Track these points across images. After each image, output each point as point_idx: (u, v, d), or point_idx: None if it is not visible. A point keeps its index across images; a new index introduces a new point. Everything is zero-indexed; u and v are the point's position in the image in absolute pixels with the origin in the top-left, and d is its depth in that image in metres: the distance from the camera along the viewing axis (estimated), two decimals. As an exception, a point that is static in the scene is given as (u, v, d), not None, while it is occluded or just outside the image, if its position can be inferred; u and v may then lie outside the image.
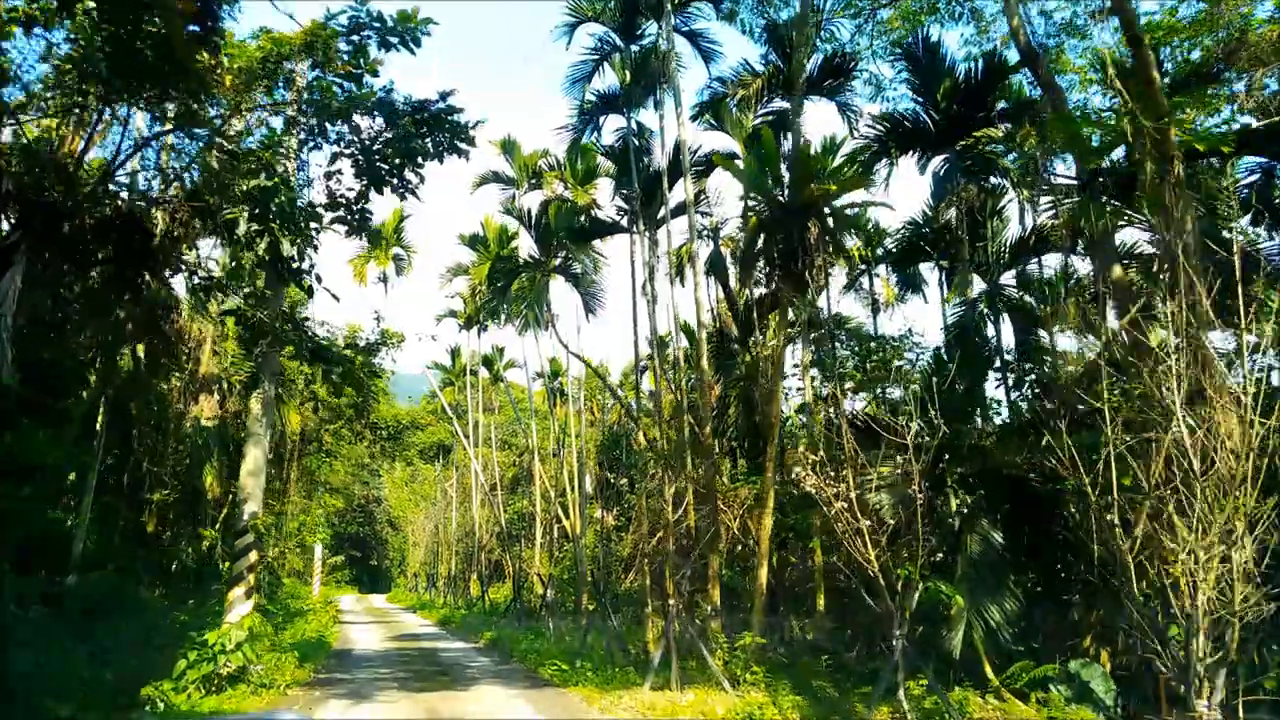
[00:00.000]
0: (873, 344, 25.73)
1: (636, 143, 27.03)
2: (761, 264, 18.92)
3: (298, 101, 16.40)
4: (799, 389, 30.72)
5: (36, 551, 16.29)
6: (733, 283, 30.08)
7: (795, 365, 32.32)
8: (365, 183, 17.27)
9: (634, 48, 27.07)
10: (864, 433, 15.15)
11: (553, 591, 32.08)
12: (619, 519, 36.34)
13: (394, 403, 49.33)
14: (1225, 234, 14.37)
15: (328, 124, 16.82)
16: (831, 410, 20.22)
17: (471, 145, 16.93)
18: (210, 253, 20.95)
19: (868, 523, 13.68)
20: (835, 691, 15.43)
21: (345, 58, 16.13)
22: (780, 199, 18.11)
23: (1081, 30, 22.27)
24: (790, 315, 28.86)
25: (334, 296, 17.77)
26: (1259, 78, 17.93)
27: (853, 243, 27.78)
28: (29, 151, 14.16)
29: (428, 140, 16.60)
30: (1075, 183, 18.67)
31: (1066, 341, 22.72)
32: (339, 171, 17.25)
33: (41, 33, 13.56)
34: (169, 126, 15.36)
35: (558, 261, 29.84)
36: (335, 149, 17.08)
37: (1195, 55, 18.87)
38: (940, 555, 15.18)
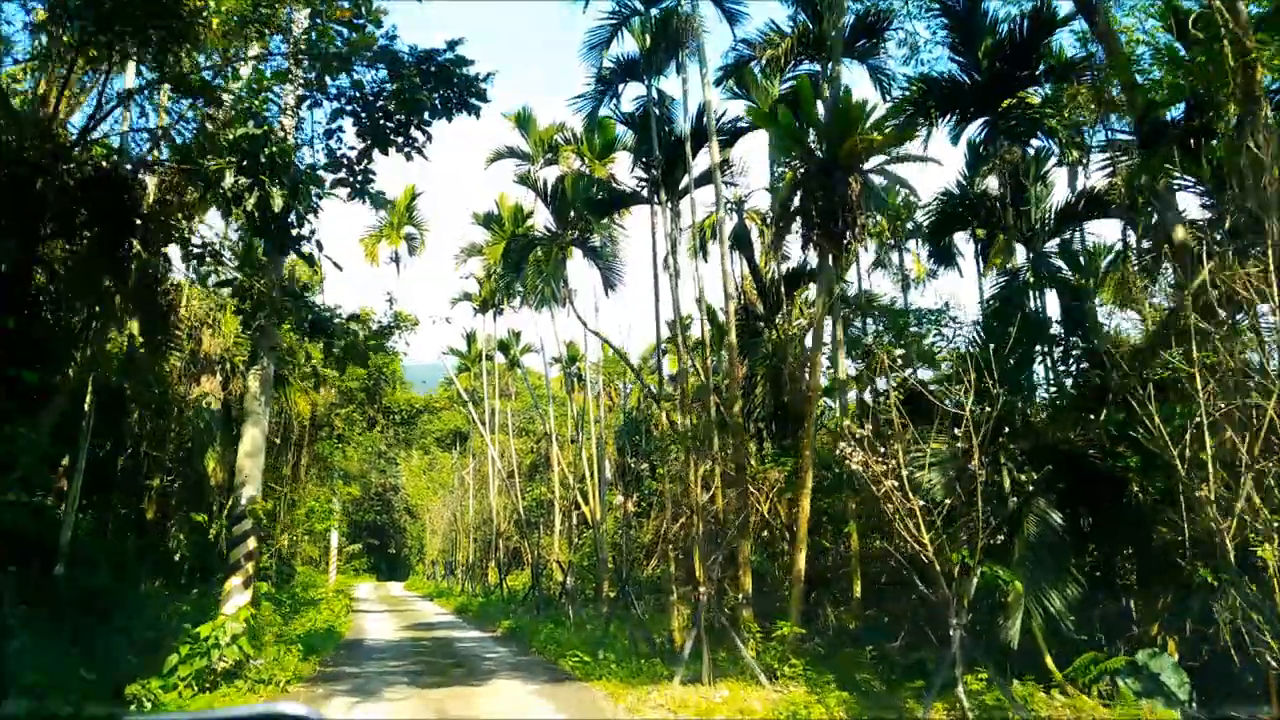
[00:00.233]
0: (909, 316, 24.29)
1: (658, 111, 25.73)
2: (798, 225, 17.58)
3: (294, 53, 15.20)
4: (828, 368, 29.54)
5: (19, 542, 15.20)
6: (758, 258, 28.89)
7: (824, 343, 31.22)
8: (368, 142, 16.13)
9: (654, 11, 25.72)
10: (908, 408, 13.89)
11: (572, 579, 30.97)
12: (639, 505, 35.28)
13: (409, 389, 48.14)
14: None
15: (327, 77, 15.66)
16: (881, 378, 18.84)
17: (483, 100, 15.71)
18: (207, 221, 19.97)
19: (921, 503, 12.47)
20: (881, 685, 14.17)
21: (346, 4, 14.98)
22: (818, 154, 16.77)
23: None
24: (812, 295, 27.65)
25: (336, 266, 16.62)
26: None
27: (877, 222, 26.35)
28: (2, 102, 13.03)
29: (435, 94, 15.40)
30: (1133, 139, 17.36)
31: (1113, 312, 21.50)
32: (340, 129, 16.08)
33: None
34: (153, 79, 14.15)
35: (575, 234, 28.53)
36: (335, 105, 15.98)
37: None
38: (999, 538, 13.86)
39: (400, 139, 15.91)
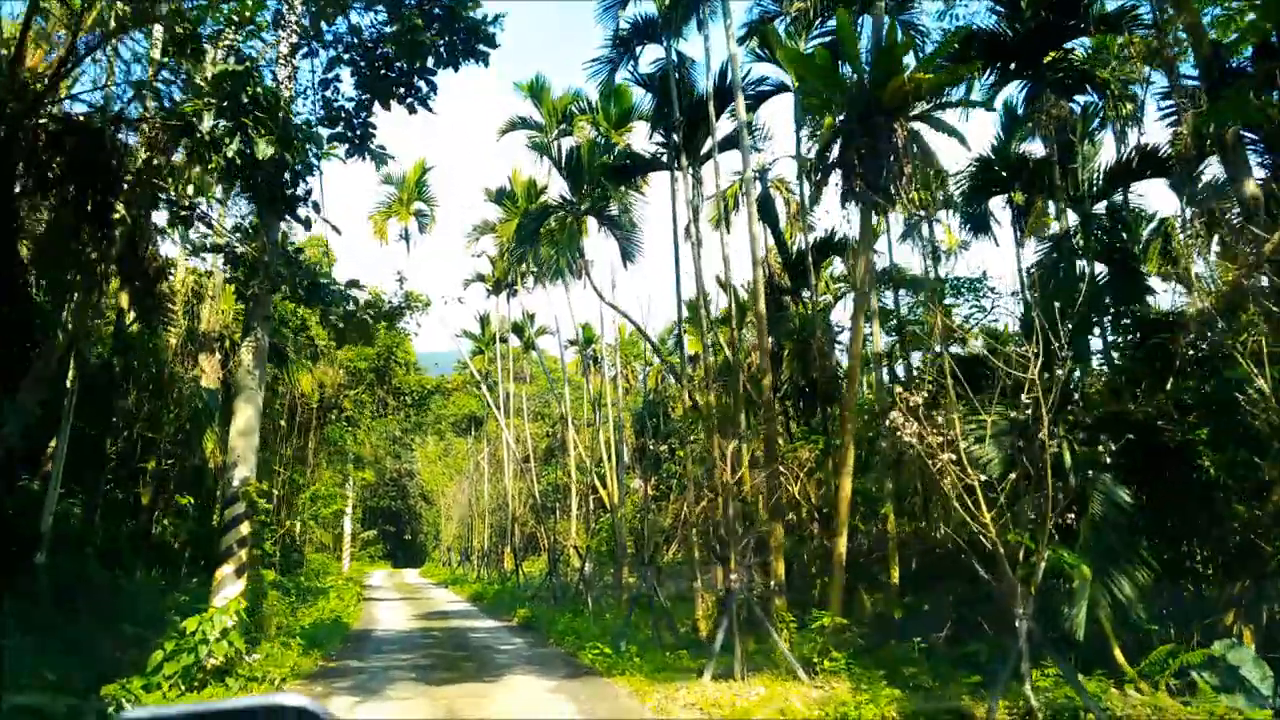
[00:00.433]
0: (945, 286, 22.87)
1: (678, 75, 24.35)
2: (836, 179, 16.20)
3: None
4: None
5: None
6: (783, 228, 27.55)
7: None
8: (367, 94, 14.90)
9: (674, -34, 24.35)
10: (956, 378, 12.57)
11: (590, 565, 29.76)
12: (657, 488, 34.06)
13: (423, 373, 47.02)
14: None
15: (323, 22, 14.42)
16: (922, 349, 17.49)
17: (491, 46, 14.43)
18: (214, 196, 18.75)
19: (982, 477, 11.17)
20: (932, 680, 12.86)
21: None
22: (860, 99, 15.35)
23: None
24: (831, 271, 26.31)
25: (335, 229, 15.41)
26: None
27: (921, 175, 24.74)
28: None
29: (439, 39, 14.13)
30: (1198, 85, 15.91)
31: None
32: (337, 79, 14.89)
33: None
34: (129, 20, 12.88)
35: (591, 204, 27.15)
36: (332, 53, 14.75)
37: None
38: (1066, 518, 12.53)
39: (402, 89, 14.70)
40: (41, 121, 13.15)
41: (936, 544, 18.95)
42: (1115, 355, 18.84)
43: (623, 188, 26.94)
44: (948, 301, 21.88)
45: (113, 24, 12.93)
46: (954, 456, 11.06)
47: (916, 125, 17.58)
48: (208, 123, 11.47)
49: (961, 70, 15.75)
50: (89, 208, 14.18)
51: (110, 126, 14.44)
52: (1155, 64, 17.67)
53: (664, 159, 25.06)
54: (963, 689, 12.15)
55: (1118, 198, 20.46)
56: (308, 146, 14.46)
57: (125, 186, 14.48)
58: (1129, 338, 18.36)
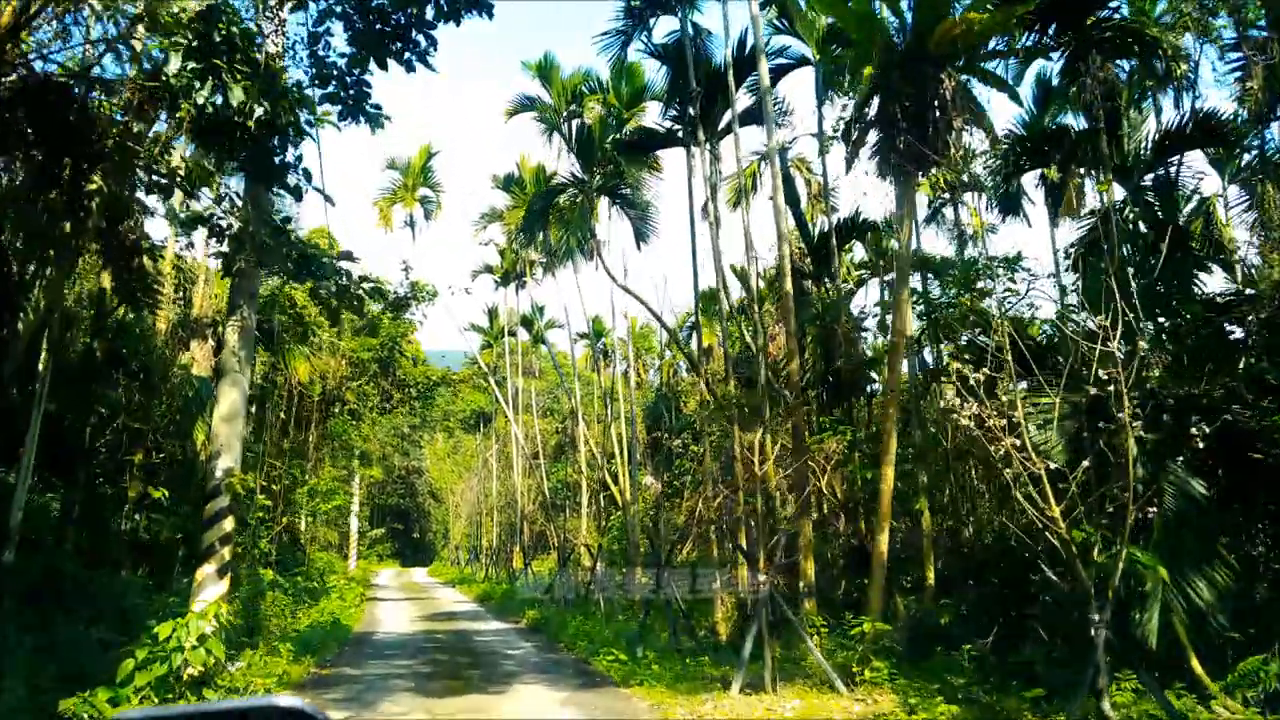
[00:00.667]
0: (978, 268, 21.46)
1: (694, 48, 23.05)
2: (873, 138, 14.86)
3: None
4: (879, 333, 26.87)
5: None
6: (804, 210, 26.27)
7: (876, 304, 28.54)
8: (361, 50, 13.65)
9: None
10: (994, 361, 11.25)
11: (602, 564, 28.49)
12: (669, 485, 32.85)
13: (429, 366, 45.86)
14: None
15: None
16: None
17: (497, -5, 13.19)
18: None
19: (1052, 465, 9.87)
20: (986, 692, 11.54)
21: None
22: (902, 48, 14.01)
23: None
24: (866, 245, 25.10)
25: (328, 199, 14.18)
26: None
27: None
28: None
29: (440, -13, 12.89)
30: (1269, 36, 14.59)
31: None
32: (328, 34, 13.63)
33: None
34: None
35: (602, 181, 25.82)
36: (323, 4, 13.51)
37: None
38: (1142, 513, 11.19)
39: (399, 43, 13.44)
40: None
41: (968, 542, 17.70)
42: (1165, 337, 17.50)
43: (635, 167, 25.61)
44: (980, 285, 20.57)
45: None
46: (1018, 441, 9.75)
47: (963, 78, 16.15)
48: (175, 64, 10.23)
49: (1018, 9, 14.22)
50: (61, 175, 13.00)
51: (83, 87, 13.28)
52: (1221, 5, 16.25)
53: (679, 134, 23.75)
54: (1024, 704, 10.82)
55: (1179, 168, 19.01)
56: (299, 111, 13.30)
57: (102, 154, 13.31)
58: (1187, 317, 17.01)
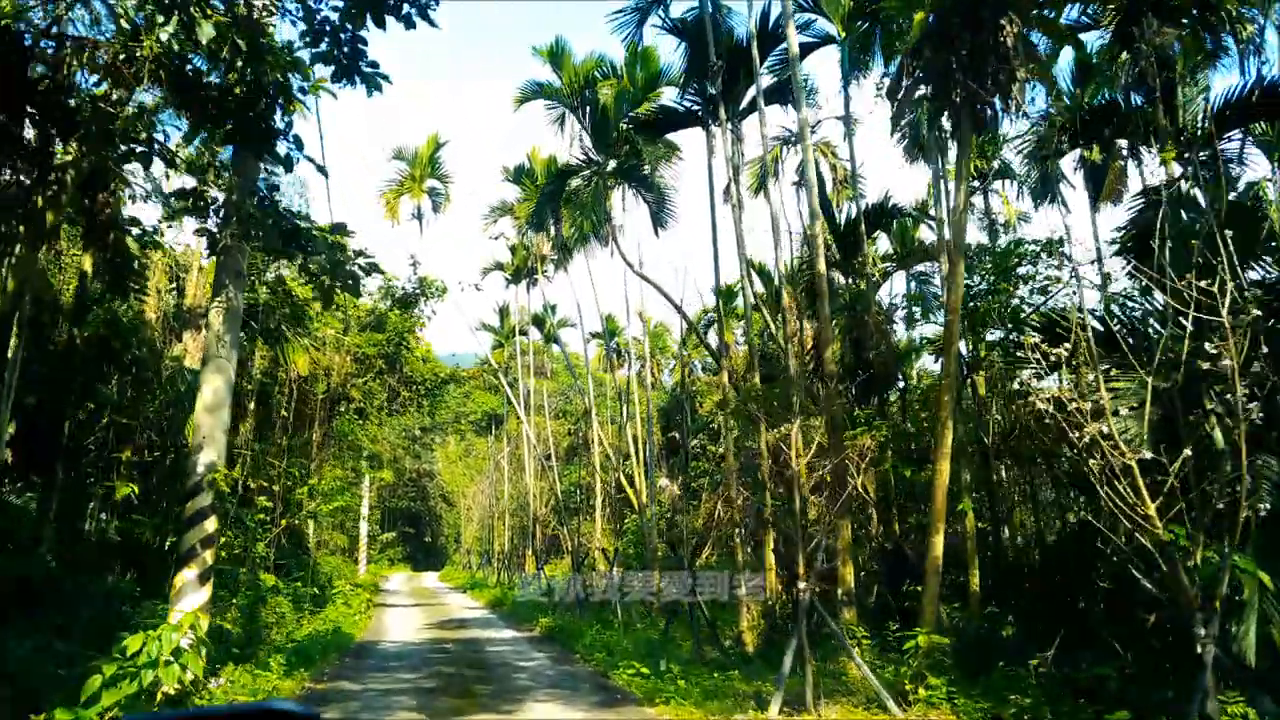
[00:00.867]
0: (1017, 254, 20.10)
1: (714, 25, 21.79)
2: (924, 91, 13.53)
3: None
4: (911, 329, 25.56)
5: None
6: (830, 195, 24.98)
7: (901, 295, 27.25)
8: (354, 4, 12.42)
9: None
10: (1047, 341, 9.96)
11: (618, 569, 27.19)
12: (686, 487, 31.57)
13: (437, 362, 44.72)
14: None
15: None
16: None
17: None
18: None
19: (1146, 454, 8.54)
20: (1061, 714, 10.20)
21: None
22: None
23: None
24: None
25: (321, 170, 12.89)
26: None
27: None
28: None
29: (442, -67, 11.66)
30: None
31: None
32: (319, -15, 12.41)
33: None
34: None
35: (617, 162, 24.53)
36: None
37: None
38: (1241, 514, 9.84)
39: (396, -1, 12.20)
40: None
41: (1016, 545, 16.33)
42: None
43: (652, 146, 24.34)
44: (1020, 271, 19.29)
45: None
46: (1104, 429, 8.44)
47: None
48: (133, -2, 9.03)
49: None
50: (24, 139, 11.82)
51: (52, 49, 12.12)
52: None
53: (699, 113, 22.47)
54: (1102, 726, 9.50)
55: (1243, 143, 17.69)
56: (291, 76, 12.14)
57: (74, 120, 12.15)
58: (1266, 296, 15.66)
